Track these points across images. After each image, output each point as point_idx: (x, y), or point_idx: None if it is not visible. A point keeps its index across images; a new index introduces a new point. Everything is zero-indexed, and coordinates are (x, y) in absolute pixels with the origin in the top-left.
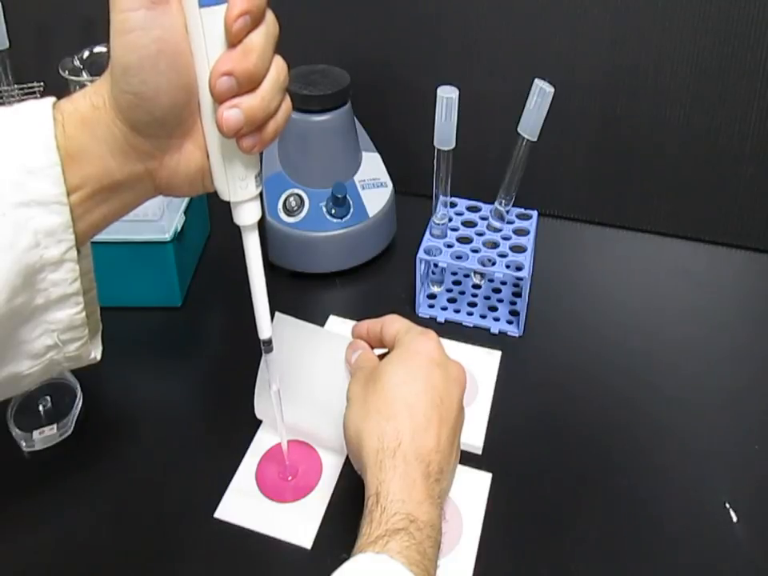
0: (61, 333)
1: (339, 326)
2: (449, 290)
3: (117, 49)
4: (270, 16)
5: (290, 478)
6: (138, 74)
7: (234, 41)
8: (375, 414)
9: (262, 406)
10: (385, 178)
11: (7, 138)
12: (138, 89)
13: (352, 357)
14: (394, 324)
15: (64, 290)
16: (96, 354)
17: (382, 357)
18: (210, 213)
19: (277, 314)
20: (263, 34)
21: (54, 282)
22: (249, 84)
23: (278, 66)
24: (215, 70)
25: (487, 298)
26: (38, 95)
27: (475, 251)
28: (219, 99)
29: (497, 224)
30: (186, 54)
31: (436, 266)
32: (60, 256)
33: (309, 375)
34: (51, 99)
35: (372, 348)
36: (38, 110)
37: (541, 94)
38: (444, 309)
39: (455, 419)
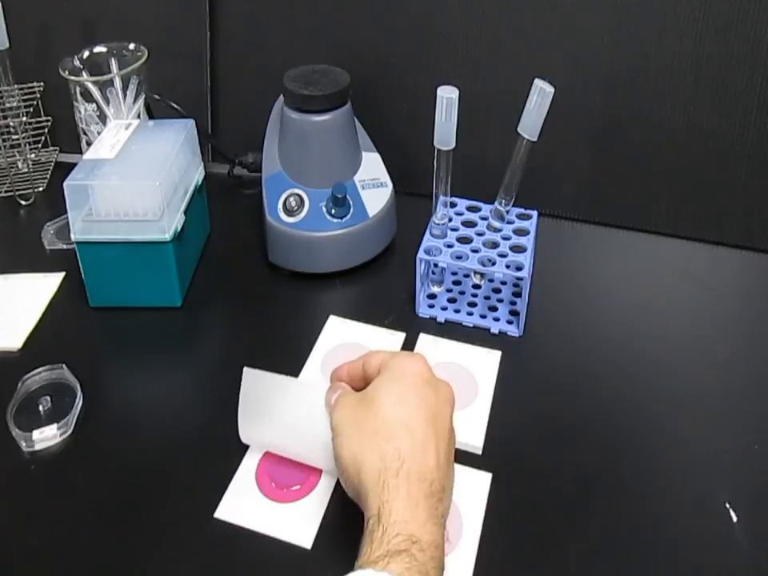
0: None
1: (339, 326)
2: (449, 290)
3: None
4: None
5: (296, 488)
6: None
7: None
8: (373, 436)
9: (247, 432)
10: (385, 177)
11: None
12: None
13: (332, 398)
14: (376, 355)
15: None
16: None
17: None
18: (210, 213)
19: (245, 369)
20: None
21: None
22: None
23: None
24: None
25: (487, 297)
26: (38, 95)
27: (475, 251)
28: None
29: (497, 224)
30: None
31: (436, 265)
32: None
33: (287, 427)
34: None
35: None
36: None
37: (541, 93)
38: (444, 309)
39: (449, 436)
